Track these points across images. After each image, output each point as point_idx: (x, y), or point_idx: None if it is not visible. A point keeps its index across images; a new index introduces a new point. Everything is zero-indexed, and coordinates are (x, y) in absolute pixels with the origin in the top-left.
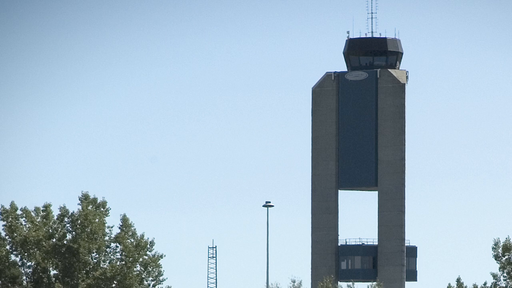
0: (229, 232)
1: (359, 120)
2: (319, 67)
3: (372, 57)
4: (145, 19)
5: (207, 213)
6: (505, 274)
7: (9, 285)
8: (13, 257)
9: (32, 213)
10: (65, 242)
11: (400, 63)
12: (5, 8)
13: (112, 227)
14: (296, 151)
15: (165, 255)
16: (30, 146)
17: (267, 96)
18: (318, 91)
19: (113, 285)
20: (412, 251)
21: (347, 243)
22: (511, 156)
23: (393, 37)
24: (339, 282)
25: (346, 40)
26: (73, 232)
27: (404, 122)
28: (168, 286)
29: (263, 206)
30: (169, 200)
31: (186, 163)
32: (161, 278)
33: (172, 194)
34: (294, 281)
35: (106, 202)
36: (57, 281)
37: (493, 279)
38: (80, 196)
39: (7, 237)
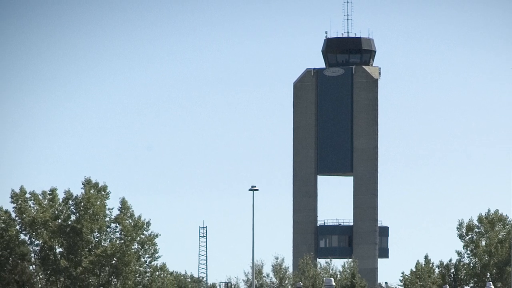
0: (218, 213)
1: (336, 112)
2: (299, 64)
3: (348, 55)
4: (143, 20)
5: (199, 196)
6: (468, 252)
7: (19, 261)
8: (22, 236)
9: (39, 196)
10: (69, 222)
11: (373, 61)
12: (13, 6)
13: (112, 209)
14: (278, 140)
15: (160, 235)
16: (38, 135)
17: (253, 91)
18: (299, 86)
19: (113, 261)
20: (384, 231)
21: (325, 224)
22: (474, 145)
23: (367, 36)
24: (318, 259)
25: (324, 40)
26: (77, 214)
27: (377, 114)
28: (163, 263)
29: (249, 190)
30: (164, 185)
31: (180, 151)
32: (156, 255)
33: (166, 179)
34: (277, 258)
35: (107, 187)
36: (62, 258)
37: (458, 256)
38: (83, 181)
39: (17, 218)
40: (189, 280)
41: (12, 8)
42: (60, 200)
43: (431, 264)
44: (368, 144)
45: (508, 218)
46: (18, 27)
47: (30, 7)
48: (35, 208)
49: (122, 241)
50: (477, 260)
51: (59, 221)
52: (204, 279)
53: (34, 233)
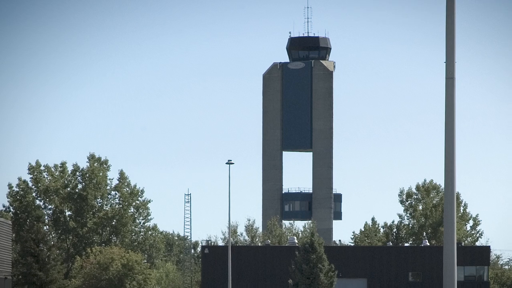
0: (201, 183)
1: (298, 99)
2: (268, 59)
3: (308, 51)
4: (138, 23)
5: (184, 168)
6: (408, 215)
7: (35, 223)
8: (37, 202)
9: (52, 169)
10: (76, 190)
11: (329, 56)
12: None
13: (112, 179)
14: (251, 122)
15: (152, 200)
16: (51, 117)
17: (229, 81)
18: (267, 77)
19: (113, 223)
20: (338, 197)
21: (289, 191)
22: (413, 125)
23: (324, 36)
24: (283, 221)
25: (288, 39)
26: (83, 183)
27: (332, 100)
28: (154, 224)
29: (226, 163)
30: (156, 159)
31: (169, 131)
32: (149, 217)
33: (158, 154)
34: (249, 220)
35: (108, 160)
36: (71, 220)
37: (399, 218)
38: (88, 156)
39: (33, 186)
40: (176, 238)
41: (30, 9)
42: (69, 172)
43: (377, 225)
44: (325, 125)
45: (440, 186)
46: (33, 27)
47: (41, 8)
48: (48, 178)
49: (121, 206)
50: (415, 221)
51: (68, 189)
52: (189, 237)
53: (47, 199)
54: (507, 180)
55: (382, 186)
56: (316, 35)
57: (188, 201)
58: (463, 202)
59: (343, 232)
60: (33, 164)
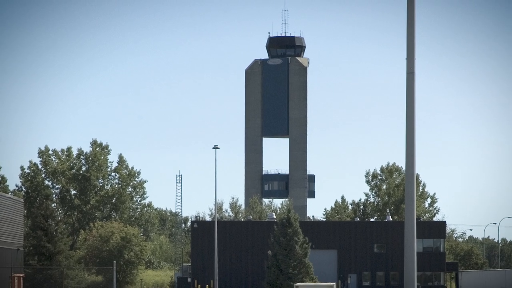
0: (191, 165)
1: (277, 91)
2: (250, 56)
3: (285, 49)
4: (135, 23)
5: (176, 152)
6: (373, 193)
7: (44, 200)
8: (46, 182)
9: (59, 153)
10: (81, 172)
11: (304, 53)
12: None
13: (112, 162)
14: (235, 111)
15: (147, 181)
16: (58, 107)
17: (216, 75)
18: (249, 72)
19: (113, 200)
20: (311, 178)
21: (269, 173)
22: (377, 114)
23: (299, 35)
24: (263, 199)
25: (268, 38)
26: (86, 165)
27: (306, 92)
28: (150, 201)
29: (213, 148)
30: (151, 143)
31: (163, 119)
32: (145, 196)
33: (152, 139)
34: (233, 198)
35: (109, 145)
36: (75, 198)
37: (365, 196)
38: (91, 141)
39: (42, 169)
40: (169, 214)
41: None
42: (74, 155)
43: (346, 203)
44: (300, 114)
45: (402, 168)
46: (42, 29)
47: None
48: (56, 161)
49: (120, 185)
50: (379, 199)
51: (73, 171)
52: (180, 213)
53: (55, 180)
54: (461, 163)
55: (350, 168)
56: (292, 35)
57: (179, 181)
58: (422, 182)
59: (316, 209)
60: (43, 148)
